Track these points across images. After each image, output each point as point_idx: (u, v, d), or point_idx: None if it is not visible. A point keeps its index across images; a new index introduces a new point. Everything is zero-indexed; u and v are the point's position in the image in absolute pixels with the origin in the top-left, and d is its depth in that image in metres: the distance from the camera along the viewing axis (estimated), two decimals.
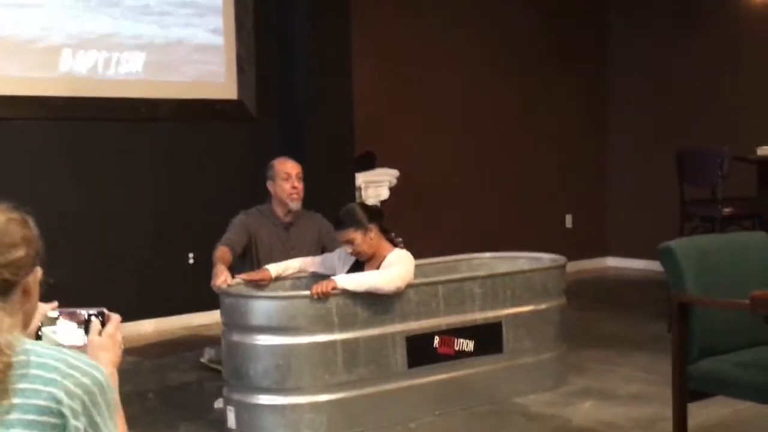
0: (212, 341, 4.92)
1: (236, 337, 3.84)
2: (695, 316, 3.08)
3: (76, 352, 1.49)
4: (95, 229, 5.80)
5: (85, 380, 1.43)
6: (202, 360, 4.95)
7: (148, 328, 5.92)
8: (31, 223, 1.58)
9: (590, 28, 8.29)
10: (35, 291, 1.59)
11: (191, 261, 6.04)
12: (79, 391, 1.41)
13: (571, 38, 8.15)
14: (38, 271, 1.58)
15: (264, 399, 3.78)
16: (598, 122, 8.37)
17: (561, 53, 8.07)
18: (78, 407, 1.41)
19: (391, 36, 7.08)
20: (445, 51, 7.40)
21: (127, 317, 5.85)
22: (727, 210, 5.51)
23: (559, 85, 8.08)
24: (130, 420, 4.19)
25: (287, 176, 4.58)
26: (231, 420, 3.85)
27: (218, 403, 4.09)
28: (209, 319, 5.66)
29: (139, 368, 5.04)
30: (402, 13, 7.14)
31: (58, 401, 1.39)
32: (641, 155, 8.03)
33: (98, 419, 1.44)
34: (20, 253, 1.51)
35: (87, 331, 1.78)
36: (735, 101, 7.31)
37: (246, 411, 3.80)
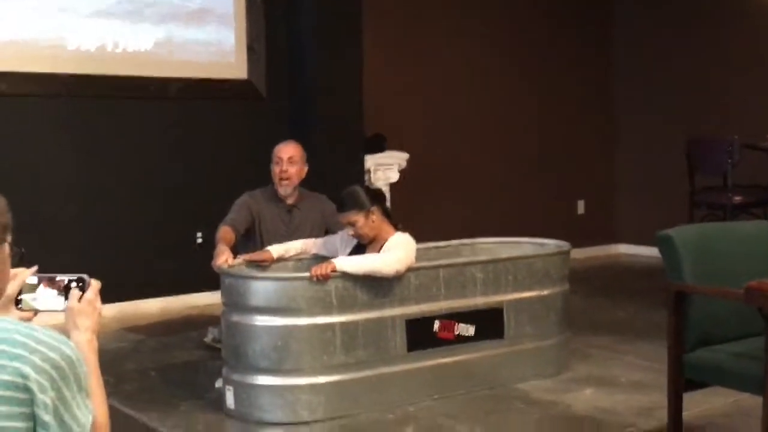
0: (217, 321, 4.91)
1: (236, 318, 3.84)
2: (692, 305, 3.06)
3: (44, 328, 1.47)
4: (103, 207, 5.83)
5: (53, 355, 1.42)
6: (206, 340, 4.98)
7: (154, 306, 5.96)
8: None
9: (599, 14, 8.21)
10: (4, 266, 1.58)
11: (199, 240, 6.05)
12: (46, 366, 1.41)
13: (581, 23, 8.08)
14: (5, 248, 1.56)
15: (262, 379, 3.78)
16: (609, 109, 8.31)
17: (570, 38, 8.01)
18: (46, 382, 1.40)
19: (402, 16, 7.05)
20: (457, 32, 7.36)
21: (133, 296, 5.92)
22: (737, 198, 5.47)
23: (570, 71, 8.02)
24: (130, 397, 4.23)
25: (278, 160, 4.58)
26: (230, 399, 3.86)
27: (219, 383, 4.10)
28: (216, 298, 5.66)
29: (142, 347, 5.07)
30: None
31: (25, 376, 1.39)
32: (653, 142, 7.97)
33: (67, 393, 1.43)
34: None
35: (67, 297, 1.78)
36: (746, 88, 7.23)
37: (244, 391, 3.81)
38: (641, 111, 8.08)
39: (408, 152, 6.68)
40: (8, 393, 1.38)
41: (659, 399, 3.82)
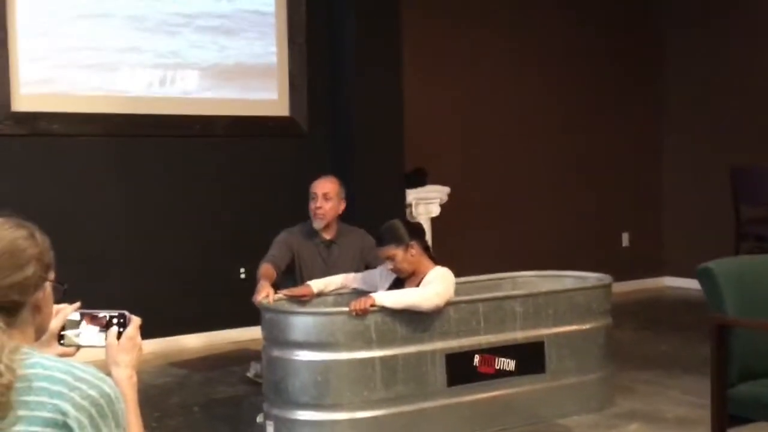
0: (259, 356, 4.95)
1: (276, 352, 3.87)
2: (735, 339, 3.01)
3: (84, 364, 1.50)
4: (149, 244, 5.92)
5: (93, 392, 1.44)
6: (248, 374, 5.01)
7: (198, 342, 6.01)
8: (38, 235, 1.58)
9: (646, 43, 8.17)
10: (46, 304, 1.61)
11: (242, 275, 6.11)
12: (86, 404, 1.42)
13: (627, 55, 8.05)
14: (48, 287, 1.60)
15: (303, 414, 3.80)
16: (654, 140, 8.24)
17: (616, 67, 7.98)
18: (85, 420, 1.42)
19: (441, 52, 7.09)
20: (495, 67, 7.38)
21: (177, 331, 6.00)
22: None
23: (615, 103, 7.99)
24: None
25: (314, 196, 4.62)
26: None
27: (260, 418, 4.12)
28: (258, 334, 5.71)
29: (186, 381, 5.12)
30: (451, 29, 7.14)
31: (64, 413, 1.41)
32: (699, 173, 7.87)
33: (105, 431, 1.45)
34: (28, 272, 1.53)
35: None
36: None
37: (285, 426, 3.83)
38: (687, 141, 8.00)
39: (449, 186, 6.69)
40: (48, 430, 1.41)
41: None
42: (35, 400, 1.42)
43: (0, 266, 1.50)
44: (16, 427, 1.40)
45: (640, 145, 8.18)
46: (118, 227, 5.83)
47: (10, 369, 1.42)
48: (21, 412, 1.41)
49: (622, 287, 7.16)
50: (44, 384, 1.43)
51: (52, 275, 1.61)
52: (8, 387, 1.41)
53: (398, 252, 4.01)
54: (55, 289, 1.63)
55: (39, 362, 1.47)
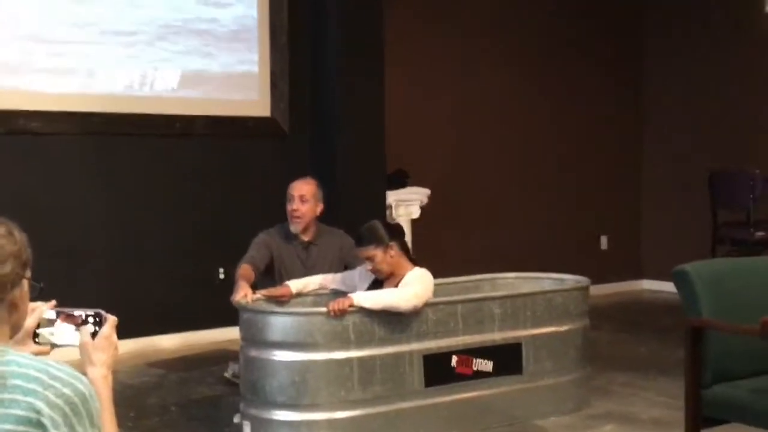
0: (237, 356, 4.94)
1: (253, 353, 3.87)
2: (709, 341, 3.04)
3: (59, 363, 1.49)
4: (127, 243, 5.90)
5: (66, 390, 1.44)
6: (226, 374, 5.00)
7: (176, 341, 5.99)
8: (16, 233, 1.57)
9: (627, 49, 8.23)
10: (23, 302, 1.60)
11: (221, 276, 6.09)
12: (60, 402, 1.42)
13: (608, 59, 8.10)
14: (24, 283, 1.59)
15: (280, 415, 3.79)
16: (633, 143, 8.29)
17: (596, 71, 8.02)
18: (59, 418, 1.41)
19: (423, 54, 7.11)
20: (477, 70, 7.40)
21: (155, 330, 5.97)
22: (759, 233, 5.43)
23: (594, 105, 8.03)
24: None
25: (291, 198, 4.61)
26: None
27: (237, 418, 4.11)
28: (236, 334, 5.69)
29: (164, 381, 5.10)
30: (434, 30, 7.17)
31: (38, 411, 1.40)
32: (676, 177, 7.93)
33: (79, 429, 1.44)
34: (6, 269, 1.52)
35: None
36: None
37: (262, 426, 3.83)
38: (666, 146, 8.06)
39: (429, 188, 6.70)
40: (21, 428, 1.40)
41: None
42: (9, 398, 1.41)
43: None
44: None
45: (620, 149, 8.23)
46: (96, 227, 5.80)
47: None
48: None
49: (600, 290, 7.20)
50: (18, 382, 1.43)
51: (29, 273, 1.61)
52: None
53: (377, 253, 4.01)
54: (31, 287, 1.63)
55: (14, 360, 1.46)
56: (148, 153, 5.99)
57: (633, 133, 8.28)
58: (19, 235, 1.59)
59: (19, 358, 1.47)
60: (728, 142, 7.46)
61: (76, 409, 1.44)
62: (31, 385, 1.42)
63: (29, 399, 1.41)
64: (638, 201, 8.32)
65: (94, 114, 5.77)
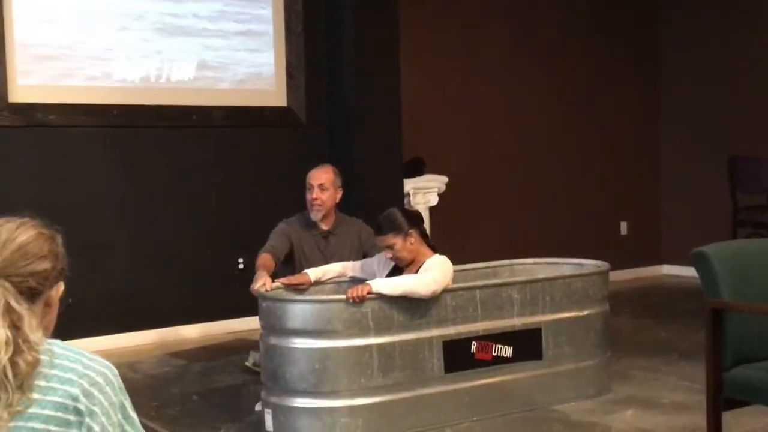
0: (258, 345, 4.97)
1: (273, 341, 3.88)
2: (730, 323, 3.02)
3: (90, 353, 1.57)
4: (147, 235, 5.93)
5: (100, 380, 1.52)
6: (247, 363, 5.02)
7: (197, 332, 6.03)
8: (59, 240, 1.65)
9: (645, 34, 8.18)
10: (55, 305, 1.66)
11: (241, 266, 6.12)
12: (95, 391, 1.50)
13: (626, 45, 8.05)
14: (61, 286, 1.64)
15: (300, 402, 3.81)
16: (653, 129, 8.25)
17: (615, 58, 7.98)
18: (96, 408, 1.49)
19: (439, 41, 7.09)
20: (494, 55, 7.38)
21: (176, 321, 6.00)
22: None
23: (614, 92, 7.99)
24: (173, 421, 4.29)
25: (310, 187, 4.60)
26: (268, 422, 3.89)
27: (259, 406, 4.13)
28: (257, 324, 5.72)
29: (185, 371, 5.14)
30: (449, 17, 7.15)
31: (74, 398, 1.48)
32: (697, 162, 7.88)
33: (130, 411, 1.55)
34: (46, 265, 1.58)
35: None
36: None
37: (283, 414, 3.84)
38: (686, 130, 8.01)
39: (447, 175, 6.69)
40: (58, 414, 1.48)
41: (701, 420, 3.74)
42: (47, 386, 1.49)
43: (24, 253, 1.56)
44: (31, 409, 1.47)
45: (639, 134, 8.19)
46: (115, 219, 5.84)
47: (39, 342, 1.50)
48: (35, 395, 1.48)
49: (620, 275, 7.18)
50: (55, 371, 1.50)
51: (62, 285, 1.66)
52: (33, 365, 1.48)
53: (397, 240, 4.01)
54: (61, 299, 1.67)
55: (50, 349, 1.54)
56: (166, 144, 6.02)
57: (652, 118, 8.23)
58: (60, 242, 1.66)
59: (55, 347, 1.55)
60: (747, 125, 7.39)
61: (111, 399, 1.52)
62: (68, 375, 1.50)
63: (65, 387, 1.49)
64: (658, 186, 8.27)
65: (112, 106, 5.80)
